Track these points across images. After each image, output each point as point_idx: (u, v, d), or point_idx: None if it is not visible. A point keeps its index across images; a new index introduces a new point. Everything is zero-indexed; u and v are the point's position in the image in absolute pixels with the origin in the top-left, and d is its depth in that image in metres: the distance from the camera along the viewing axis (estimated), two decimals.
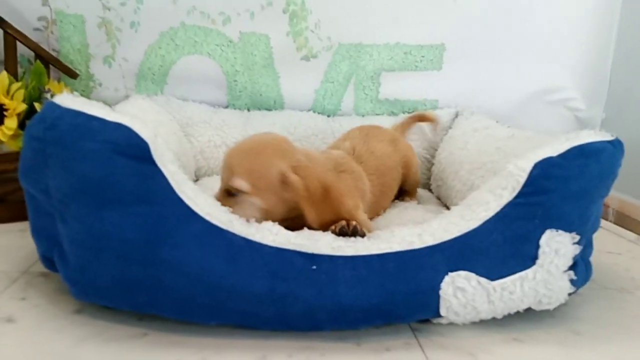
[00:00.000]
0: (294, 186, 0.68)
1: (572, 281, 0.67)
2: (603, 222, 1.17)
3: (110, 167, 0.56)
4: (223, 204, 0.65)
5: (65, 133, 0.56)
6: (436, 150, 1.16)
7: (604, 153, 0.66)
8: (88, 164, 0.56)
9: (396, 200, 1.05)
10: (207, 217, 0.60)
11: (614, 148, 0.67)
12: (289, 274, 0.60)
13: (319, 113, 1.25)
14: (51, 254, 0.63)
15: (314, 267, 0.61)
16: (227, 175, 0.70)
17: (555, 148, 0.66)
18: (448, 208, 0.98)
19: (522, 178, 0.65)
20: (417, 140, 1.18)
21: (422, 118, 1.20)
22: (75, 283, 0.61)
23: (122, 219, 0.57)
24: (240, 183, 0.68)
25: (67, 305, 0.65)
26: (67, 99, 0.59)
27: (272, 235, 0.62)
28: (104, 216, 0.57)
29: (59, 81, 1.14)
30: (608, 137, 0.68)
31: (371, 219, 0.88)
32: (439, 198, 1.09)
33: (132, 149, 0.57)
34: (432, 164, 1.15)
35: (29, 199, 0.64)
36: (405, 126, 1.18)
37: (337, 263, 0.61)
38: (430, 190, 1.15)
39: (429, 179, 1.16)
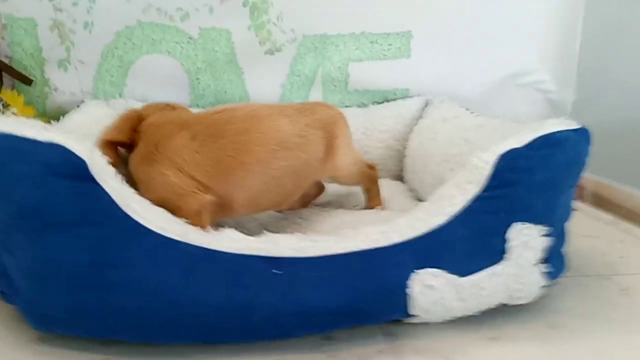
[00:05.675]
0: None
1: (544, 274, 0.65)
2: (579, 204, 1.16)
3: (46, 189, 0.53)
4: None
5: None
6: (407, 140, 1.14)
7: (569, 142, 0.65)
8: (23, 188, 0.53)
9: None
10: (159, 231, 0.57)
11: (579, 137, 0.66)
12: (249, 281, 0.58)
13: None
14: (3, 288, 0.60)
15: (277, 271, 0.58)
16: None
17: (520, 139, 0.65)
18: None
19: (487, 171, 0.63)
20: (387, 131, 1.15)
21: None
22: (29, 315, 0.58)
23: (65, 244, 0.54)
24: None
25: (28, 334, 0.62)
26: None
27: (231, 241, 0.60)
28: (45, 242, 0.54)
29: (12, 88, 1.10)
30: (574, 125, 0.66)
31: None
32: (411, 189, 1.06)
33: (68, 168, 0.54)
34: (404, 156, 1.13)
35: None
36: None
37: (300, 265, 0.59)
38: (403, 181, 1.13)
39: (401, 170, 1.14)
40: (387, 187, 1.06)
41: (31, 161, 0.54)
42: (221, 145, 0.71)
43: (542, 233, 0.64)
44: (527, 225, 0.63)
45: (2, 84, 1.06)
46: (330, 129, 0.83)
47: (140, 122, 0.76)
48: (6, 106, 0.97)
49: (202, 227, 0.65)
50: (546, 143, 0.64)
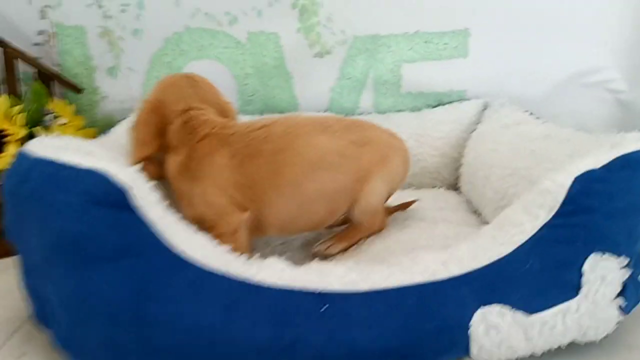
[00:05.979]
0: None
1: (621, 308, 0.59)
2: None
3: (87, 220, 0.51)
4: None
5: (38, 186, 0.51)
6: (464, 148, 1.07)
7: None
8: (63, 218, 0.51)
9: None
10: (202, 260, 0.54)
11: None
12: (295, 318, 0.54)
13: (336, 113, 1.17)
14: (43, 314, 0.58)
15: (325, 307, 0.54)
16: None
17: (598, 158, 0.58)
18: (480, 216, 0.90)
19: (561, 195, 0.57)
20: (442, 138, 1.09)
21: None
22: (68, 346, 0.56)
23: (104, 277, 0.51)
24: None
25: None
26: (38, 144, 0.54)
27: (277, 273, 0.56)
28: (86, 275, 0.51)
29: (64, 97, 1.10)
30: None
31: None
32: (469, 201, 1.00)
33: (109, 197, 0.51)
34: (460, 164, 1.06)
35: (19, 254, 0.59)
36: None
37: (351, 301, 0.55)
38: (458, 191, 1.06)
39: (456, 179, 1.08)
40: (442, 198, 1.01)
41: (72, 190, 0.51)
42: (257, 166, 0.70)
43: (622, 265, 0.57)
44: (606, 256, 0.57)
45: (53, 92, 1.07)
46: (377, 152, 0.75)
47: (164, 119, 0.73)
48: (56, 118, 0.96)
49: (239, 247, 0.65)
50: (628, 164, 0.57)
